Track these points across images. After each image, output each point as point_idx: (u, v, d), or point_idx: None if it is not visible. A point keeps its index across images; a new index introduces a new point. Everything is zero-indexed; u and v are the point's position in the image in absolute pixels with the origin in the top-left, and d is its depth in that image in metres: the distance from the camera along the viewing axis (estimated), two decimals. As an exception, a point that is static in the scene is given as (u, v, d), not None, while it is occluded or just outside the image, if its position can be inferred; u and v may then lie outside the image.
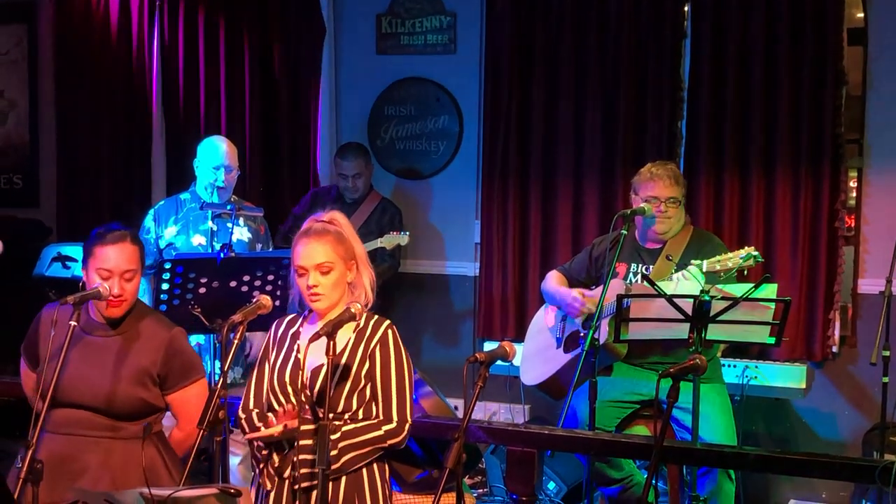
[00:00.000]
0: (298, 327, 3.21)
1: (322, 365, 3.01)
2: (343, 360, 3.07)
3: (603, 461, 4.44)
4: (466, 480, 5.36)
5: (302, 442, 3.00)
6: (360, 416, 3.09)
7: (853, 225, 5.45)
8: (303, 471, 3.00)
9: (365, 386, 3.10)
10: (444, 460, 2.90)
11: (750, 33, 5.40)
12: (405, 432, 3.10)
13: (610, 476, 4.49)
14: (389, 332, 3.15)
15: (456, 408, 5.04)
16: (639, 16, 5.59)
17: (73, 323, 3.13)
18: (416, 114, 6.20)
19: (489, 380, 3.02)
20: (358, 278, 3.19)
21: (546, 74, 5.79)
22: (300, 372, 3.07)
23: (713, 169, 5.49)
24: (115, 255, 3.23)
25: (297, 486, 3.01)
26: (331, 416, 3.01)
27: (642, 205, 4.46)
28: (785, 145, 5.36)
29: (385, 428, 3.08)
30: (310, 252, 3.11)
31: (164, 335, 3.33)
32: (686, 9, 5.57)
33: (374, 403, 3.11)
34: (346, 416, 3.07)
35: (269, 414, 3.09)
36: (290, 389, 3.09)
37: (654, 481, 2.95)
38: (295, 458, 3.00)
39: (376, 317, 3.19)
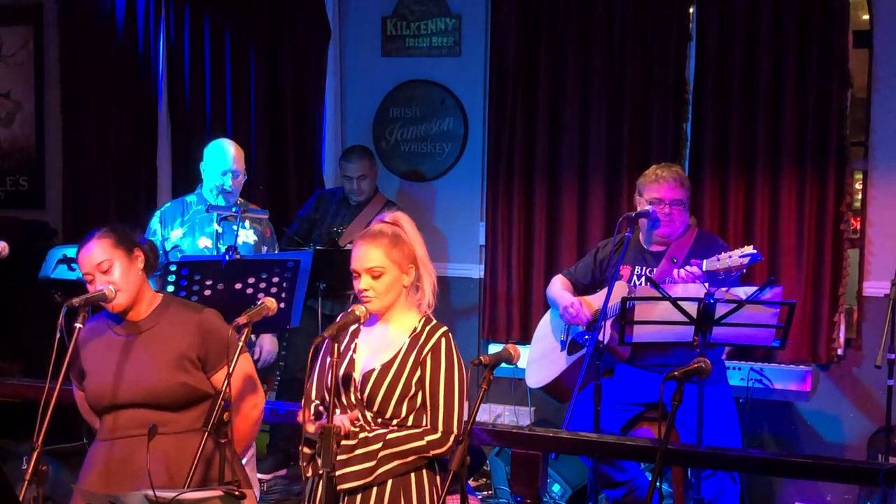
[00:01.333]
0: (358, 326, 3.19)
1: (373, 370, 3.05)
2: (395, 366, 3.06)
3: (607, 463, 4.44)
4: (471, 482, 5.36)
5: (344, 443, 3.00)
6: (410, 423, 3.06)
7: (858, 227, 5.45)
8: (344, 471, 3.00)
9: (416, 393, 3.06)
10: (448, 463, 2.90)
11: (755, 35, 5.39)
12: (450, 443, 3.04)
13: (614, 478, 4.49)
14: (443, 339, 3.10)
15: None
16: (644, 18, 5.59)
17: (77, 325, 3.11)
18: (421, 116, 6.20)
19: (494, 382, 3.01)
20: (419, 280, 3.17)
21: (551, 77, 5.79)
22: (352, 373, 3.08)
23: (718, 171, 5.49)
24: (85, 255, 3.25)
25: (339, 488, 3.00)
26: (361, 420, 3.04)
27: (646, 207, 4.46)
28: (790, 148, 5.35)
29: (428, 438, 3.04)
30: (362, 255, 3.09)
31: (195, 318, 3.31)
32: (691, 11, 5.57)
33: (423, 412, 3.09)
34: (395, 423, 3.05)
35: (321, 408, 3.10)
36: (341, 387, 3.10)
37: (658, 483, 2.94)
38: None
39: (434, 322, 3.15)
